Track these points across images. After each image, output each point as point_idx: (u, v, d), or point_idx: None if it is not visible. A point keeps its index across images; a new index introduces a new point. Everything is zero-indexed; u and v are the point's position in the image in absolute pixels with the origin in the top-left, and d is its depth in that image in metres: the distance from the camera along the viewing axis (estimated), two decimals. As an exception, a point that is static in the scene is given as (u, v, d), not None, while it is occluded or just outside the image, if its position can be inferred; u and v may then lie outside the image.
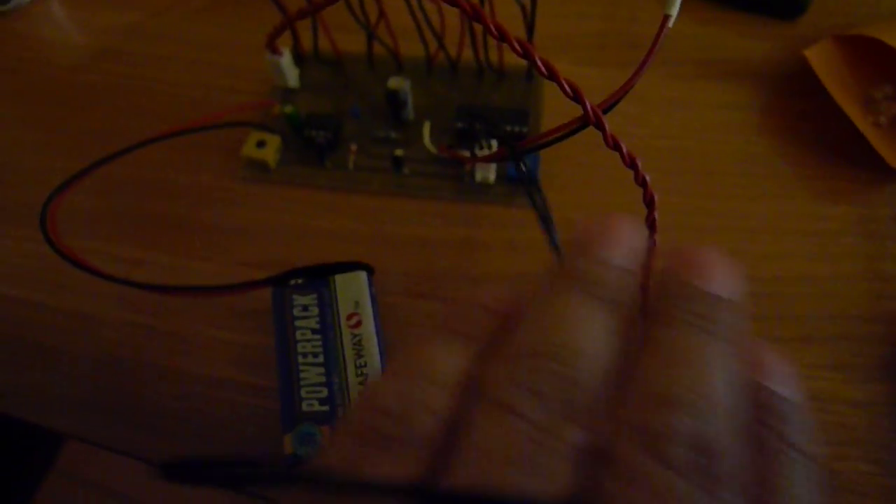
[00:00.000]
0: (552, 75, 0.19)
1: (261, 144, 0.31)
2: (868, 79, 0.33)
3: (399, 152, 0.30)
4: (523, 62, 0.31)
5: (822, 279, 0.28)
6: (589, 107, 0.19)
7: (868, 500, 0.24)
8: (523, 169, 0.23)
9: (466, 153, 0.30)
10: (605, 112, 0.20)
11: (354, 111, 0.32)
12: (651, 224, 0.21)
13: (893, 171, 0.30)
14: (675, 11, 0.19)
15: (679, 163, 0.31)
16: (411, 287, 0.28)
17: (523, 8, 0.29)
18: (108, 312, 0.28)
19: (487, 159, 0.24)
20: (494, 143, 0.30)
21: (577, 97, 0.19)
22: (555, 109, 0.33)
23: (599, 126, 0.19)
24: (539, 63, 0.18)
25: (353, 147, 0.31)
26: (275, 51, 0.31)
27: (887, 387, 0.26)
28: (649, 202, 0.21)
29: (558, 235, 0.23)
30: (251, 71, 0.35)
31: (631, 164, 0.21)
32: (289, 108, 0.30)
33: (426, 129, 0.31)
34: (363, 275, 0.25)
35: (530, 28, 0.30)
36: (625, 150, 0.21)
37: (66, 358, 0.27)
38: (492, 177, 0.30)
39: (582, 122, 0.20)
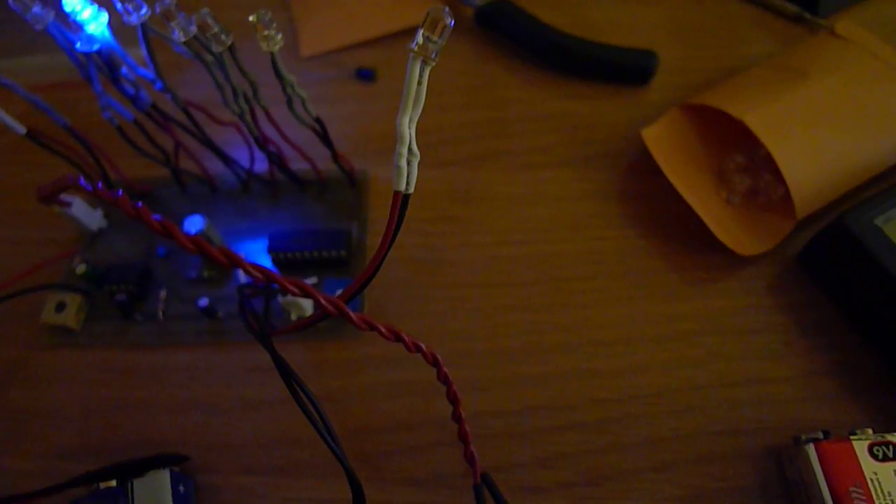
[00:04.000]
0: (273, 281, 0.17)
1: (60, 307, 0.29)
2: (722, 149, 0.32)
3: (201, 302, 0.28)
4: (342, 170, 0.30)
5: (681, 391, 0.27)
6: (324, 301, 0.17)
7: None
8: (252, 321, 0.21)
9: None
10: (349, 300, 0.19)
11: (160, 251, 0.30)
12: (458, 418, 0.20)
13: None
14: (402, 187, 0.18)
15: (525, 273, 0.30)
16: (237, 460, 0.27)
17: (316, 126, 0.27)
18: None
19: (291, 330, 0.23)
20: (314, 278, 0.29)
21: (307, 294, 0.17)
22: (382, 220, 0.31)
23: (345, 316, 0.18)
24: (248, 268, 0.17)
25: (163, 294, 0.30)
26: (61, 203, 0.29)
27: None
28: (453, 399, 0.20)
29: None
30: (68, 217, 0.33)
31: (416, 349, 0.20)
32: (81, 269, 0.29)
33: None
34: (165, 476, 0.24)
35: (327, 142, 0.28)
36: (406, 339, 0.19)
37: None
38: (309, 310, 0.28)
39: (323, 314, 0.18)
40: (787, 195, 0.29)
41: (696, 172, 0.32)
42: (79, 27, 0.23)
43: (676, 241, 0.31)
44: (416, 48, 0.17)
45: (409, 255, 0.31)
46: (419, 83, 0.17)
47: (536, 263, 0.30)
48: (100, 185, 0.17)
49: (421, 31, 0.17)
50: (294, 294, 0.18)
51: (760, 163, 0.31)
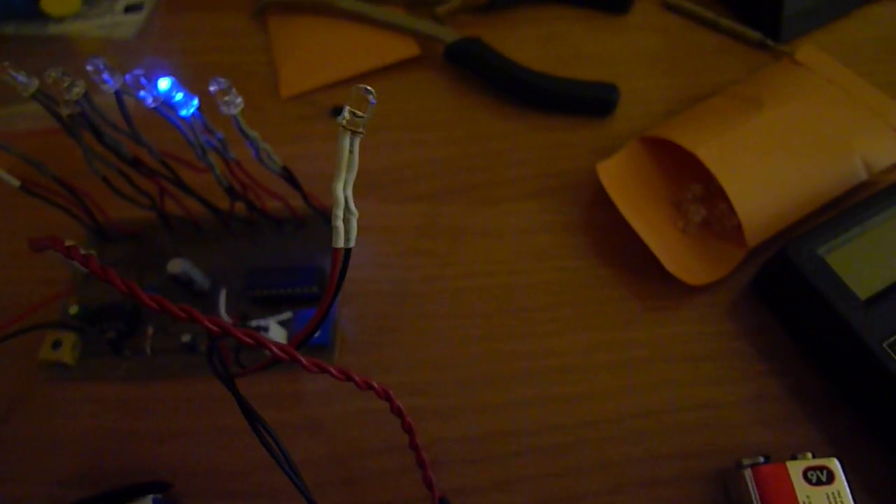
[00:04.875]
0: (228, 333, 0.19)
1: (56, 345, 0.31)
2: (681, 179, 0.34)
3: (186, 338, 0.31)
4: (311, 208, 0.32)
5: (633, 416, 0.29)
6: (275, 349, 0.19)
7: None
8: (218, 367, 0.23)
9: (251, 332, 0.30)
10: (299, 346, 0.21)
11: (149, 288, 0.33)
12: (415, 446, 0.22)
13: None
14: (341, 244, 0.20)
15: (489, 303, 0.32)
16: (219, 485, 0.29)
17: (284, 173, 0.29)
18: None
19: (250, 372, 0.25)
20: (289, 313, 0.31)
21: (260, 343, 0.19)
22: (355, 254, 0.33)
23: (296, 362, 0.20)
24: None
25: (150, 331, 0.32)
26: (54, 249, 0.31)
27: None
28: (408, 430, 0.22)
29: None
30: (61, 260, 0.35)
31: (368, 387, 0.22)
32: (73, 310, 0.31)
33: (222, 298, 0.32)
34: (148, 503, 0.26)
35: (296, 186, 0.30)
36: (357, 379, 0.22)
37: None
38: (282, 340, 0.30)
39: (275, 360, 0.20)
40: (741, 224, 0.30)
41: (653, 203, 0.33)
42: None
43: (635, 271, 0.32)
44: (344, 122, 0.19)
45: (379, 288, 0.33)
46: (350, 152, 0.19)
47: (500, 294, 0.32)
48: (77, 250, 0.20)
49: (347, 108, 0.18)
50: (248, 345, 0.20)
51: (716, 192, 0.33)
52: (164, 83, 0.24)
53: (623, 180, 0.33)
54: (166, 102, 0.25)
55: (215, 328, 0.20)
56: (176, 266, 0.31)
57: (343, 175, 0.19)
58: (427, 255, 0.34)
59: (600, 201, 0.34)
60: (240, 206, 0.33)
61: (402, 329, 0.32)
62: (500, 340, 0.31)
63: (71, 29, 0.44)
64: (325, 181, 0.35)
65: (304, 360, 0.21)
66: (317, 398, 0.30)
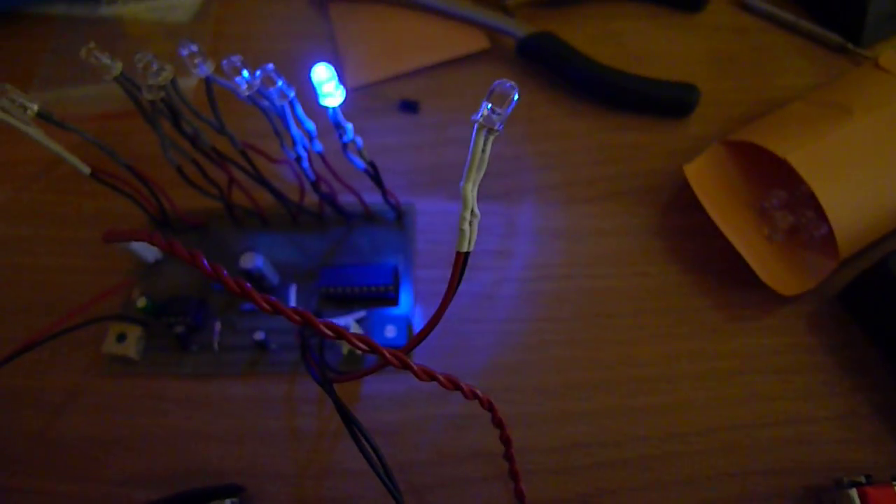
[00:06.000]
0: (338, 335, 0.18)
1: (121, 338, 0.30)
2: (764, 184, 0.33)
3: (259, 335, 0.30)
4: (389, 205, 0.31)
5: (720, 430, 0.28)
6: (388, 355, 0.18)
7: None
8: (316, 369, 0.23)
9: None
10: (411, 350, 0.20)
11: (215, 284, 0.32)
12: (510, 458, 0.21)
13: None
14: (465, 248, 0.19)
15: (567, 308, 0.31)
16: (289, 490, 0.28)
17: (370, 169, 0.28)
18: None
19: (353, 378, 0.24)
20: (363, 312, 0.30)
21: (372, 349, 0.18)
22: (427, 252, 0.33)
23: (409, 370, 0.19)
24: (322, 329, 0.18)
25: (218, 326, 0.31)
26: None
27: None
28: (506, 441, 0.21)
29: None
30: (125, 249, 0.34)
31: (473, 396, 0.21)
32: (141, 303, 0.30)
33: (293, 294, 0.31)
34: (227, 507, 0.25)
35: (379, 183, 0.29)
36: (464, 387, 0.21)
37: None
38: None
39: (384, 364, 0.19)
40: (829, 233, 0.29)
41: (737, 209, 0.32)
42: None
43: (717, 278, 0.31)
44: (481, 119, 0.18)
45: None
46: (483, 151, 0.18)
47: (578, 299, 0.31)
48: (176, 244, 0.19)
49: (486, 104, 0.17)
50: (362, 351, 0.19)
51: (802, 199, 0.32)
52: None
53: (708, 183, 0.32)
54: (260, 91, 0.24)
55: (331, 333, 0.19)
56: (249, 260, 0.30)
57: (473, 175, 0.18)
58: (502, 256, 0.33)
59: (679, 205, 0.34)
60: (310, 200, 0.32)
61: (477, 332, 0.31)
62: (579, 346, 0.30)
63: (123, 11, 0.43)
64: (393, 176, 0.34)
65: (415, 368, 0.20)
66: (390, 403, 0.29)
